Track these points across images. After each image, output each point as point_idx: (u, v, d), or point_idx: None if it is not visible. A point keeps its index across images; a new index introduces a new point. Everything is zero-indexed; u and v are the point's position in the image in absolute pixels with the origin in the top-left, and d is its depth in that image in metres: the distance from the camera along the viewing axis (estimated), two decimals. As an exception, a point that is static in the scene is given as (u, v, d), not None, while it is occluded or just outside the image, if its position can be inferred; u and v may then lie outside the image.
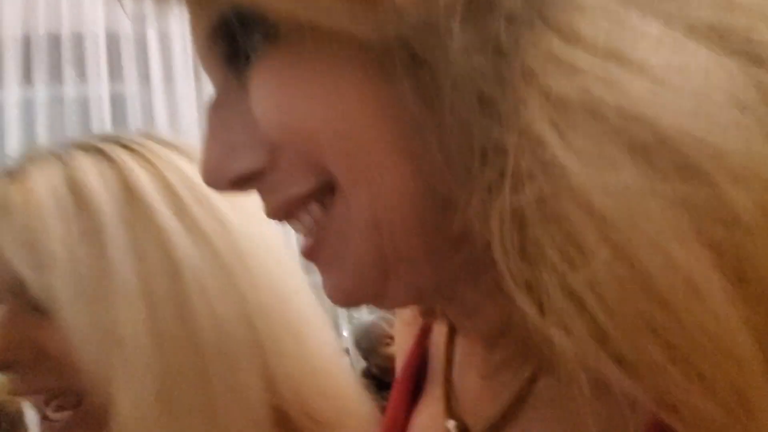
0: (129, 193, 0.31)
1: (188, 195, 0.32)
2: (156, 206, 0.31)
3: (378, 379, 1.33)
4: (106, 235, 0.30)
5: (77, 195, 0.31)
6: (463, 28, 0.14)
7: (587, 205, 0.11)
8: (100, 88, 2.24)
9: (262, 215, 0.34)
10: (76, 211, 0.31)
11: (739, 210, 0.10)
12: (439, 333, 0.28)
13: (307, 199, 0.19)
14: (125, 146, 0.34)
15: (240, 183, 0.20)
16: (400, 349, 0.31)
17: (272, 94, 0.17)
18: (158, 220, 0.31)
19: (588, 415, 0.14)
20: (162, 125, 2.17)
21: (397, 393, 0.29)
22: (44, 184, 0.31)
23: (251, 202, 0.33)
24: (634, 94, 0.11)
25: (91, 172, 0.32)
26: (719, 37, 0.12)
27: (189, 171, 0.33)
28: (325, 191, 0.18)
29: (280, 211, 0.20)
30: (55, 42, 2.21)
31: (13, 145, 2.12)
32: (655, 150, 0.11)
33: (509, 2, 0.13)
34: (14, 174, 0.32)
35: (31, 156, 0.34)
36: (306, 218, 0.20)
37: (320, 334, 0.36)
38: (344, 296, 0.20)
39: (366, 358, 1.57)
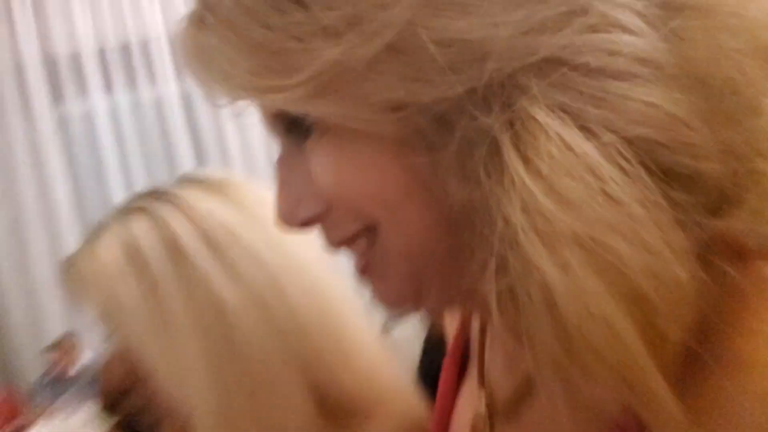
0: (173, 249, 0.37)
1: (224, 239, 0.38)
2: (197, 257, 0.37)
3: (441, 343, 1.43)
4: (161, 290, 0.37)
5: (133, 259, 0.38)
6: (463, 126, 0.19)
7: (550, 299, 0.17)
8: (169, 89, 2.44)
9: (296, 244, 0.40)
10: (134, 274, 0.37)
11: (650, 301, 0.16)
12: (476, 322, 0.34)
13: (356, 235, 0.25)
14: (166, 201, 0.40)
15: (305, 225, 0.26)
16: (449, 334, 0.38)
17: (326, 168, 0.23)
18: (200, 268, 0.37)
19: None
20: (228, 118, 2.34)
21: (445, 372, 0.35)
22: (107, 256, 0.38)
23: (284, 233, 0.37)
24: (562, 219, 0.16)
25: (140, 236, 0.38)
26: (641, 152, 0.17)
27: (223, 215, 0.39)
28: (370, 230, 0.24)
29: (336, 244, 0.27)
30: (126, 51, 2.43)
31: (105, 150, 2.41)
32: (587, 258, 0.16)
33: (484, 122, 0.18)
34: (85, 249, 0.40)
35: (96, 229, 0.41)
36: (357, 248, 0.26)
37: (361, 334, 0.42)
38: (389, 304, 0.26)
39: (426, 324, 1.68)
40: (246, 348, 0.36)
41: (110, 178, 2.41)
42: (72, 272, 0.40)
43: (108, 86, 2.42)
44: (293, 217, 0.26)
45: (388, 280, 0.25)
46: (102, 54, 2.42)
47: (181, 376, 0.37)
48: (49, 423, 1.71)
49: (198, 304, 0.36)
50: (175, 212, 0.38)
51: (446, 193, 0.20)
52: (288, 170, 0.26)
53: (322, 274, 0.41)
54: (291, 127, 0.24)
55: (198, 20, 0.23)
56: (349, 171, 0.22)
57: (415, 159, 0.21)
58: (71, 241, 2.22)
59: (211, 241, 0.37)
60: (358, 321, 0.42)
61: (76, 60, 2.41)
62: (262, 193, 0.42)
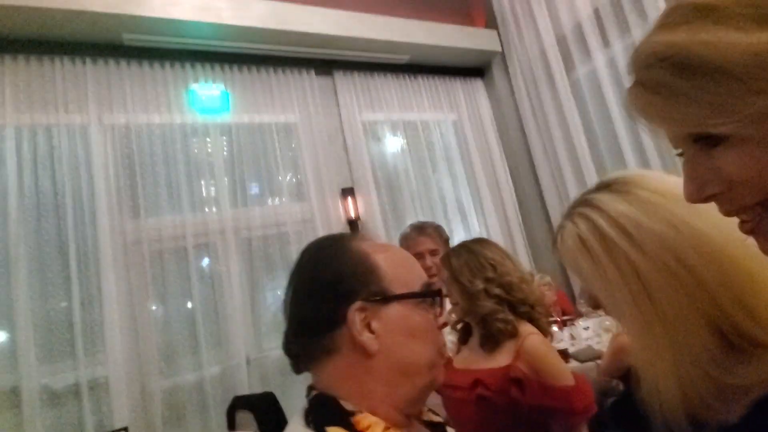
0: (601, 236, 0.54)
1: (630, 226, 0.52)
2: (615, 239, 0.52)
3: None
4: (598, 260, 0.54)
5: (581, 243, 0.56)
6: None
7: None
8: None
9: (687, 215, 0.52)
10: (583, 252, 0.56)
11: None
12: None
13: (751, 205, 0.34)
14: (589, 205, 0.57)
15: (706, 200, 0.37)
16: None
17: (738, 163, 0.33)
18: (619, 246, 0.52)
19: None
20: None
21: None
22: (568, 241, 0.58)
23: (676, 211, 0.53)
24: None
25: (581, 229, 0.56)
26: None
27: (626, 209, 0.53)
28: (765, 201, 0.33)
29: (731, 213, 0.36)
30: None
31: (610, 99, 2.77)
32: None
33: None
34: (558, 236, 0.61)
35: (560, 225, 0.61)
36: (750, 214, 0.35)
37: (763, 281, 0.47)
38: None
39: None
40: (657, 295, 0.50)
41: (617, 124, 2.79)
42: (555, 249, 0.64)
43: (605, 41, 2.76)
44: (698, 195, 0.38)
45: None
46: (597, 13, 2.77)
47: (617, 308, 0.55)
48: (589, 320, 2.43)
49: (622, 268, 0.53)
50: (596, 213, 0.56)
51: None
52: (694, 166, 0.38)
53: (715, 235, 0.49)
54: (698, 140, 0.36)
55: (645, 87, 0.37)
56: (755, 163, 0.33)
57: None
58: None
59: (621, 228, 0.53)
60: (757, 268, 0.48)
61: (578, 28, 2.90)
62: (655, 183, 0.55)
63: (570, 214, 0.60)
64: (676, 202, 0.51)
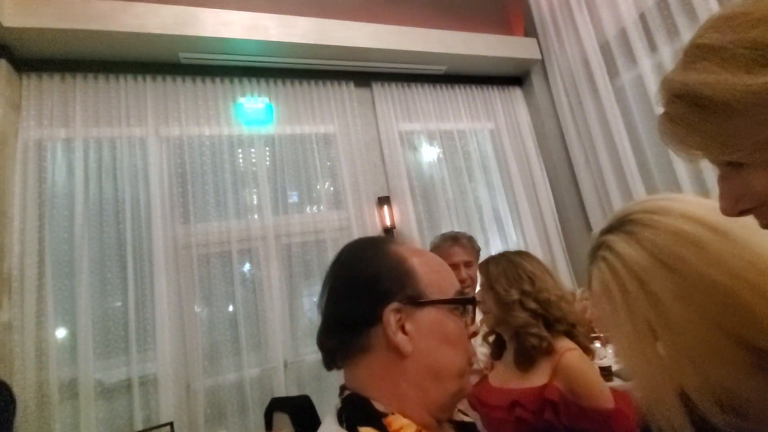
0: (618, 280, 0.54)
1: (641, 270, 0.52)
2: (629, 283, 0.52)
3: None
4: (616, 303, 0.54)
5: (602, 287, 0.56)
6: None
7: None
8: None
9: (687, 254, 0.50)
10: (606, 295, 0.55)
11: None
12: None
13: None
14: (606, 248, 0.57)
15: (741, 214, 0.37)
16: None
17: (763, 182, 0.35)
18: (632, 292, 0.52)
19: None
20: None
21: None
22: (594, 285, 0.58)
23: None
24: None
25: (603, 273, 0.56)
26: None
27: (635, 255, 0.52)
28: None
29: None
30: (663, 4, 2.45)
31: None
32: None
33: None
34: (589, 274, 0.61)
35: (587, 271, 0.61)
36: None
37: None
38: None
39: None
40: (669, 335, 0.50)
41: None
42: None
43: (652, 46, 2.53)
44: (732, 210, 0.40)
45: None
46: (642, 17, 2.58)
47: (631, 364, 0.55)
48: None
49: (634, 314, 0.52)
50: (615, 257, 0.55)
51: None
52: (727, 183, 0.40)
53: (718, 275, 0.47)
54: (729, 162, 0.39)
55: (670, 119, 0.41)
56: None
57: None
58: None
59: (638, 279, 0.53)
60: None
61: (622, 34, 2.70)
62: (663, 221, 0.53)
63: (594, 256, 0.60)
64: (682, 243, 0.50)
